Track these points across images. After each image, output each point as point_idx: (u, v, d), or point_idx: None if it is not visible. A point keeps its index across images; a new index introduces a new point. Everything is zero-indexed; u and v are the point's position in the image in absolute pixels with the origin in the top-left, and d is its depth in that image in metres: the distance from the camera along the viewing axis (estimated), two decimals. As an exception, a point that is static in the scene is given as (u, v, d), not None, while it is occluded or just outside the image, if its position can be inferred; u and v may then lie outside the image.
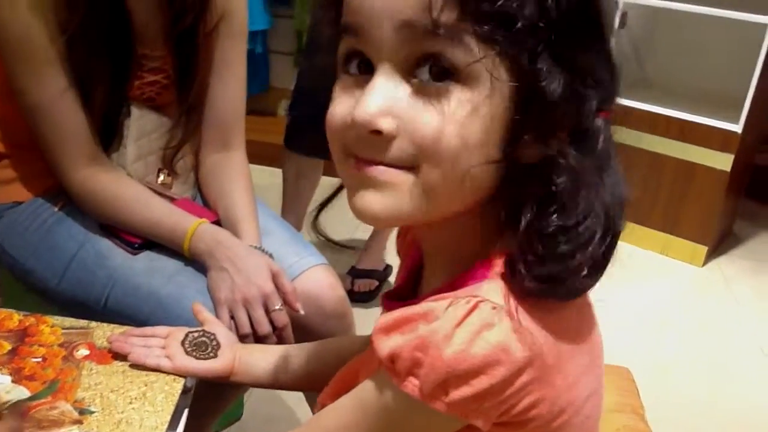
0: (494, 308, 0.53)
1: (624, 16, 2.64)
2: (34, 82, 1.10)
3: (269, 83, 3.31)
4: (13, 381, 0.82)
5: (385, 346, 0.56)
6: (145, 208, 1.18)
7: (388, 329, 0.57)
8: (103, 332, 0.92)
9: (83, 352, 0.88)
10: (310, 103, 1.68)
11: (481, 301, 0.53)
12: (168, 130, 1.27)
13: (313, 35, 2.05)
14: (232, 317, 1.08)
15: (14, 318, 0.92)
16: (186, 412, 0.87)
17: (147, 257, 1.17)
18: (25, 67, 1.10)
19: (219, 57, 1.27)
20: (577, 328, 0.60)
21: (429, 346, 0.53)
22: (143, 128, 1.24)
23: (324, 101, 0.60)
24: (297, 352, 0.91)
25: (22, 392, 0.81)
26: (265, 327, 1.08)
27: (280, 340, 1.10)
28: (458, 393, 0.53)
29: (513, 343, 0.53)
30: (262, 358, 0.90)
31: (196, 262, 1.15)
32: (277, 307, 1.09)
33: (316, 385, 0.92)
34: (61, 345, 0.88)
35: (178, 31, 1.19)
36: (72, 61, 1.10)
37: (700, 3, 2.57)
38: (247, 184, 1.30)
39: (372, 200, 0.56)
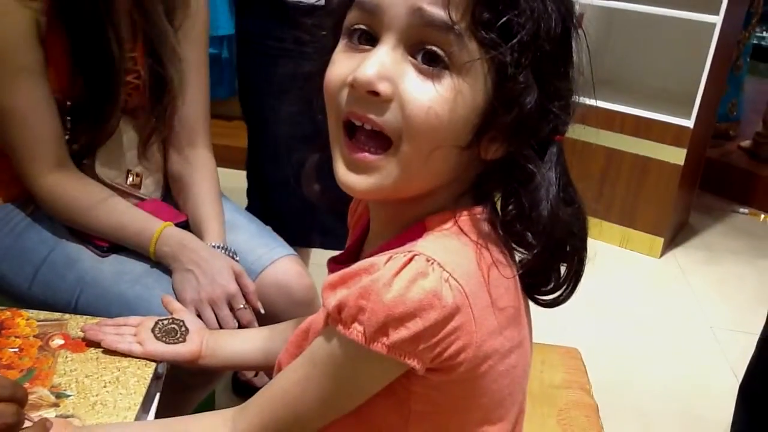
0: (428, 260, 0.61)
1: (580, 17, 2.73)
2: (8, 86, 1.13)
3: (235, 88, 3.35)
4: (-9, 369, 0.87)
5: (333, 299, 0.63)
6: (111, 214, 1.21)
7: (335, 285, 0.64)
8: (76, 323, 0.97)
9: (58, 341, 0.93)
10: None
11: (416, 255, 0.61)
12: (137, 132, 1.31)
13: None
14: (198, 316, 1.13)
15: (-10, 312, 0.96)
16: (157, 397, 0.92)
17: (115, 260, 1.21)
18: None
19: (183, 58, 1.31)
20: (504, 288, 0.66)
21: (371, 293, 0.60)
22: None
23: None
24: (263, 334, 0.96)
25: (0, 379, 0.85)
26: (230, 324, 1.13)
27: (246, 336, 1.16)
28: (396, 335, 0.60)
29: (444, 291, 0.60)
30: (229, 342, 0.96)
31: (163, 264, 1.20)
32: (241, 306, 1.15)
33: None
34: (36, 336, 0.93)
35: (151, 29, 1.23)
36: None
37: (653, 4, 2.67)
38: (212, 182, 1.35)
39: (357, 180, 0.65)
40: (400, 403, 0.67)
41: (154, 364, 0.92)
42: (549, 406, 1.15)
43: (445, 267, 0.60)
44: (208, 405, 1.65)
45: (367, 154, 0.64)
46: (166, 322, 0.96)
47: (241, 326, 1.15)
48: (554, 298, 0.72)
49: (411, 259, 0.61)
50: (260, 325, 1.19)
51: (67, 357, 0.90)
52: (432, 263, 0.60)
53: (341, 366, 0.65)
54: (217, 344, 0.95)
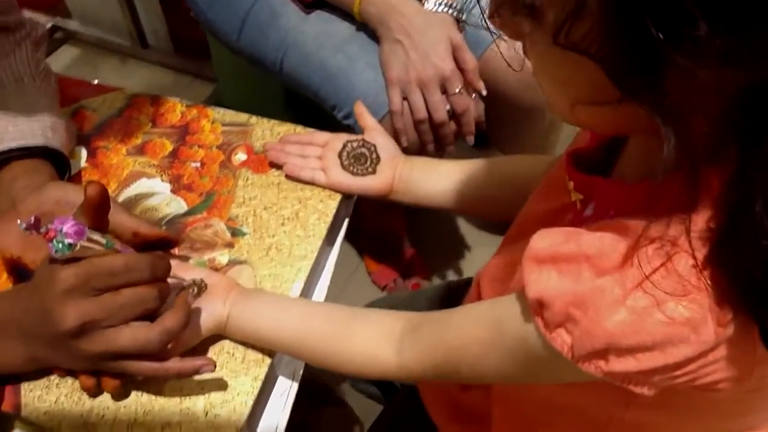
0: (694, 266, 0.39)
1: None
2: None
3: None
4: (172, 191, 0.81)
5: (534, 283, 0.45)
6: None
7: (542, 260, 0.46)
8: (262, 131, 0.86)
9: (241, 156, 0.84)
10: None
11: (676, 253, 0.39)
12: None
13: None
14: (405, 98, 0.97)
15: (177, 109, 0.88)
16: (345, 223, 0.83)
17: (318, 19, 1.06)
18: None
19: None
20: None
21: (589, 307, 0.42)
22: None
23: None
24: (464, 171, 0.80)
25: (180, 205, 0.80)
26: (441, 113, 0.96)
27: (459, 128, 0.99)
28: (620, 365, 0.42)
29: (708, 322, 0.39)
30: (424, 179, 0.80)
31: (369, 27, 1.02)
32: (457, 90, 0.96)
33: (481, 209, 0.83)
34: (219, 147, 0.85)
35: None
36: None
37: None
38: None
39: None
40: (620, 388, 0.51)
41: (338, 197, 0.81)
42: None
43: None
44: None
45: None
46: (355, 144, 0.82)
47: (455, 114, 0.99)
48: None
49: (665, 263, 0.39)
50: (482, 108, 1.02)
51: (247, 179, 0.82)
52: (700, 272, 0.38)
53: (534, 360, 0.49)
54: (411, 179, 0.81)
